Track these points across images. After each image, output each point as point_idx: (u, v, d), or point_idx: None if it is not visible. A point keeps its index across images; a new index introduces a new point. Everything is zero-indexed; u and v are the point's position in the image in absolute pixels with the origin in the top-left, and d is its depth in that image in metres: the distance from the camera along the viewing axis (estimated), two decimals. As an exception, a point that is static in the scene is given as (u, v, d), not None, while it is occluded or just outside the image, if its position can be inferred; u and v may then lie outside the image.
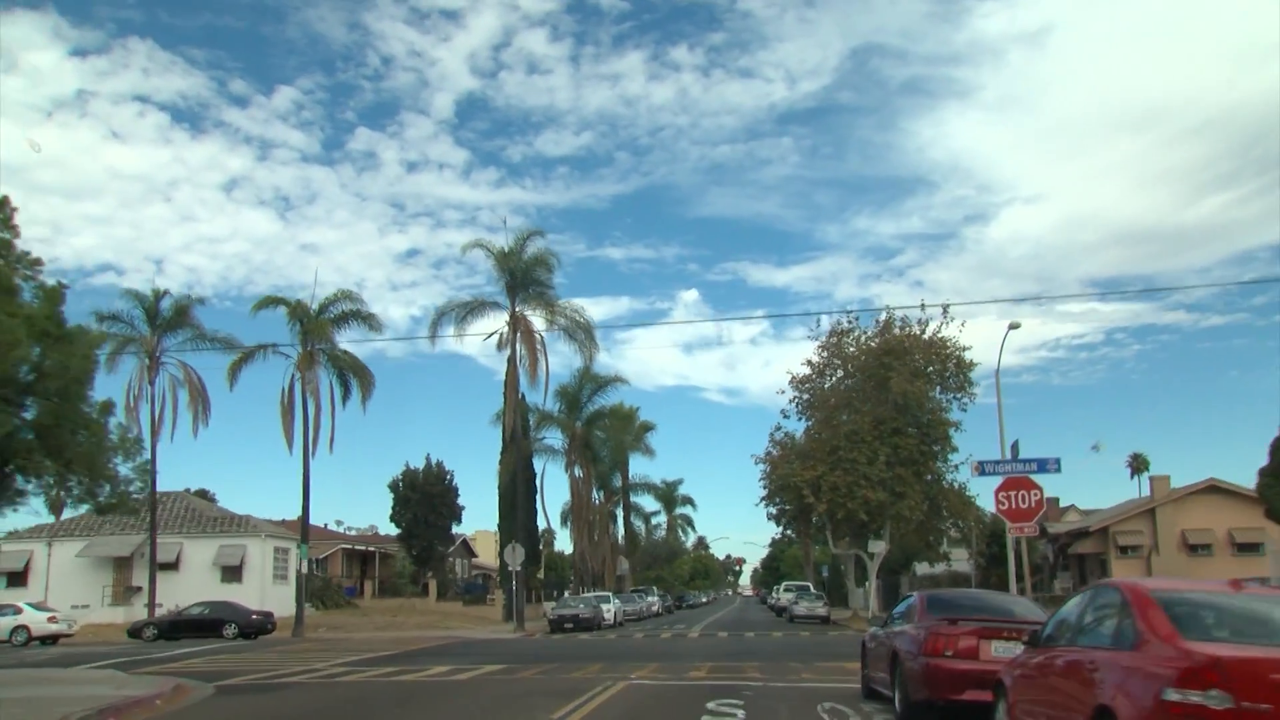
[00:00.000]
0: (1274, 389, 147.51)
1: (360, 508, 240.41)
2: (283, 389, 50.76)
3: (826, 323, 58.17)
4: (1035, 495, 23.66)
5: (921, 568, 75.69)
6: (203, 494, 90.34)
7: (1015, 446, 24.25)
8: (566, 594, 63.16)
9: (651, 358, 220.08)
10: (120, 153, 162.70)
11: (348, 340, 52.04)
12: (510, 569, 53.07)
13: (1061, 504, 75.64)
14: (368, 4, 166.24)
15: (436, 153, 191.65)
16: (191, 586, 53.44)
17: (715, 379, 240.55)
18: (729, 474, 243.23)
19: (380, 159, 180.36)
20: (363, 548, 76.02)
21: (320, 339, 50.69)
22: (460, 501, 77.31)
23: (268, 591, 55.92)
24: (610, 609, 56.84)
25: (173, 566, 55.88)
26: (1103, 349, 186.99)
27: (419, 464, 77.51)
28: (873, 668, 16.69)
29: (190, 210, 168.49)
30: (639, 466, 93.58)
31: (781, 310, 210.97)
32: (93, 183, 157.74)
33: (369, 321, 52.06)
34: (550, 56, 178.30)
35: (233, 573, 56.70)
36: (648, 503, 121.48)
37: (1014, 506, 23.77)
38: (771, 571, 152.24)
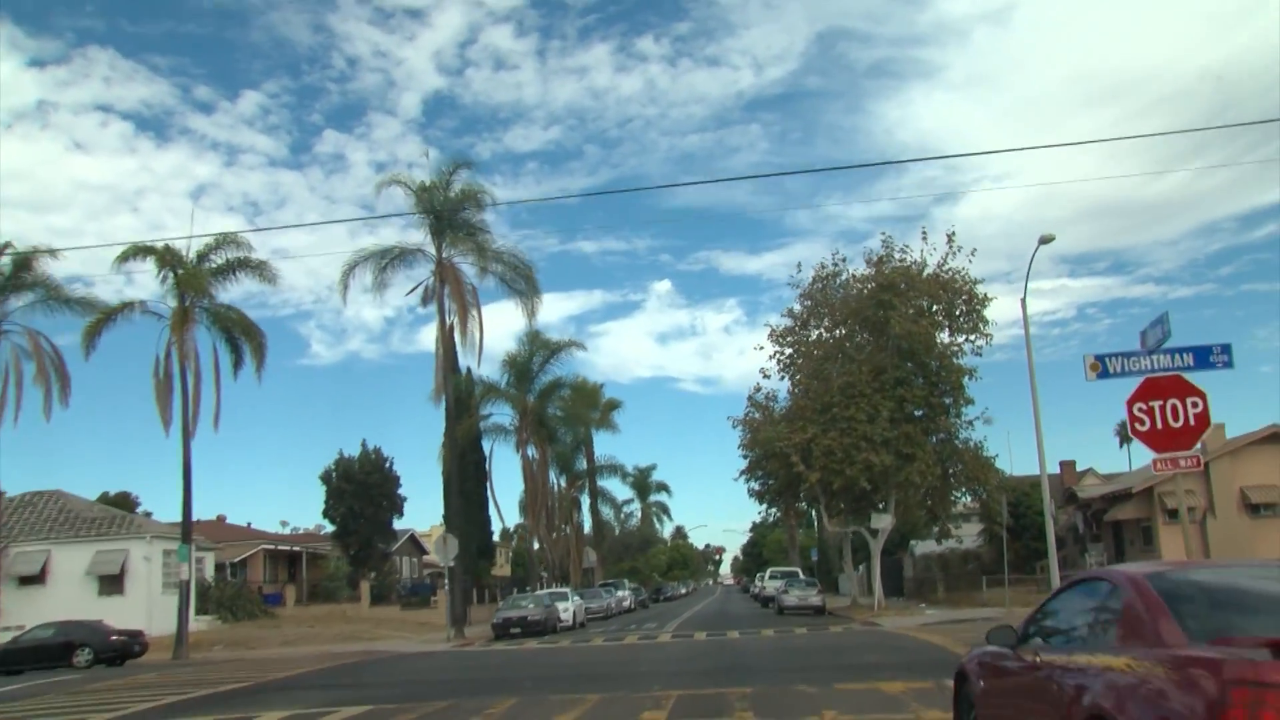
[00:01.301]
0: (1244, 355, 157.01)
1: (305, 508, 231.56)
2: (157, 356, 41.46)
3: (809, 270, 49.01)
4: (1196, 406, 14.51)
5: (921, 546, 66.99)
6: (123, 498, 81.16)
7: (1162, 324, 15.06)
8: (514, 593, 54.10)
9: (626, 349, 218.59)
10: (85, 163, 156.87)
11: (250, 300, 42.72)
12: (443, 565, 43.91)
13: (1078, 467, 66.97)
14: (331, 5, 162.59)
15: (405, 153, 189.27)
16: (61, 602, 44.00)
17: (691, 369, 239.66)
18: (706, 463, 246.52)
19: (349, 160, 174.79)
20: (288, 548, 66.61)
21: (198, 293, 41.41)
22: (402, 492, 67.95)
23: (156, 604, 46.59)
24: (568, 608, 47.96)
25: (37, 580, 46.48)
26: (1074, 324, 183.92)
27: (353, 451, 68.18)
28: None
29: (159, 219, 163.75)
30: (608, 449, 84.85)
31: (755, 296, 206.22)
32: (58, 195, 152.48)
33: (260, 271, 42.89)
34: (516, 52, 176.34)
35: (112, 583, 47.31)
36: (619, 490, 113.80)
37: (1158, 425, 14.52)
38: (753, 558, 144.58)
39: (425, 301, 46.50)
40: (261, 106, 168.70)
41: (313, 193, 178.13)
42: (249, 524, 73.53)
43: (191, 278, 41.25)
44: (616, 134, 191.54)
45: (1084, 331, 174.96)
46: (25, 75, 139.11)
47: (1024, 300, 38.66)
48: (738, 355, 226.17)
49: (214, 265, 42.44)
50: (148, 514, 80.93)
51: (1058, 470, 61.60)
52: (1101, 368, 15.05)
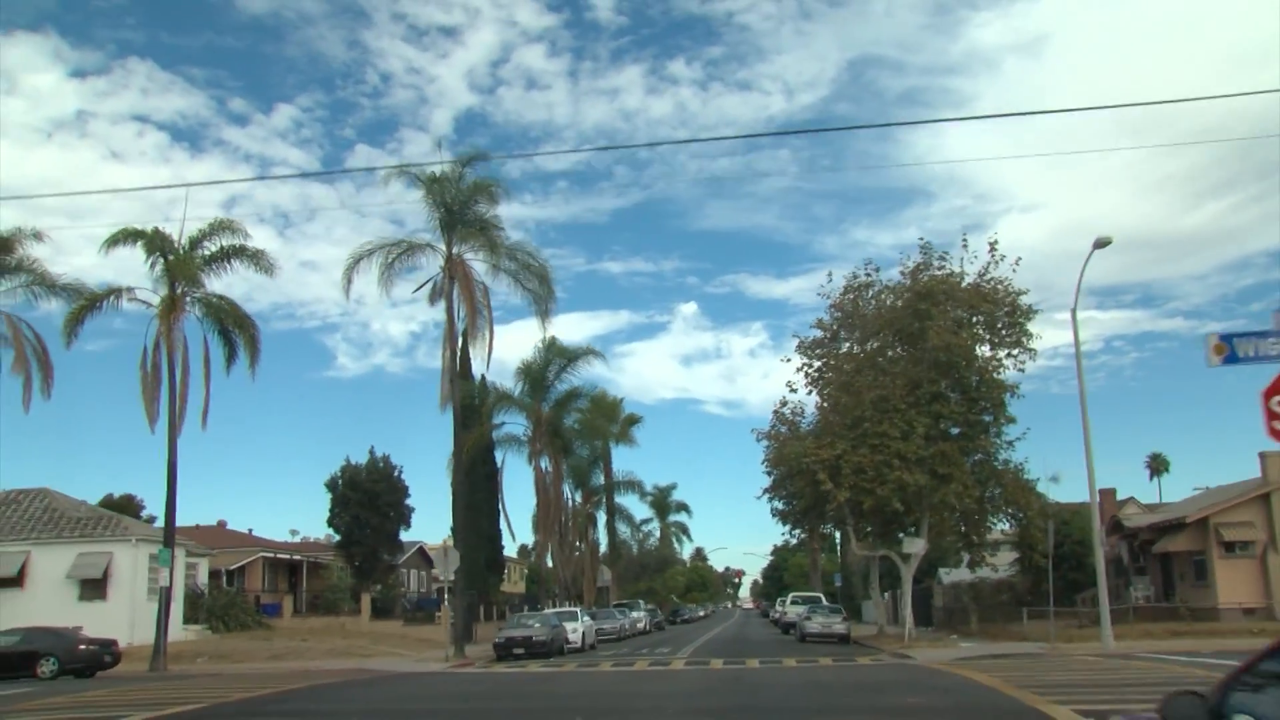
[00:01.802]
0: None
1: (318, 518, 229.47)
2: (145, 348, 38.67)
3: (840, 279, 45.93)
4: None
5: (948, 575, 63.46)
6: (127, 501, 78.44)
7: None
8: (523, 611, 50.97)
9: (650, 370, 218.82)
10: (120, 172, 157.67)
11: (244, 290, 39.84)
12: (444, 579, 40.83)
13: (1119, 496, 63.33)
14: (366, 22, 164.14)
15: (436, 169, 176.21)
16: (39, 607, 41.34)
17: (714, 391, 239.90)
18: (728, 486, 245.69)
19: (380, 175, 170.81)
20: (287, 556, 63.58)
21: (189, 281, 38.61)
22: (411, 503, 65.03)
23: (140, 611, 43.65)
24: (577, 628, 44.81)
25: (14, 582, 43.54)
26: (1101, 356, 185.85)
27: (362, 459, 65.24)
28: None
29: (191, 229, 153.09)
30: (627, 466, 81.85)
31: (780, 320, 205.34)
32: (93, 203, 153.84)
33: (256, 260, 40.04)
34: (549, 72, 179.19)
35: (94, 588, 44.35)
36: (638, 509, 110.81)
37: (1305, 421, 11.62)
38: (774, 582, 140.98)
39: (433, 299, 43.58)
40: (295, 120, 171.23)
41: (343, 206, 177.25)
42: (250, 530, 70.57)
43: (181, 264, 38.49)
44: (646, 155, 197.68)
45: (1110, 364, 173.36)
46: (67, 86, 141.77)
47: (1074, 310, 35.91)
48: (762, 379, 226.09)
49: (207, 253, 39.66)
50: (151, 518, 78.11)
51: (1097, 499, 57.86)
52: (1229, 351, 11.87)
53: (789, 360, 47.25)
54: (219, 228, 39.95)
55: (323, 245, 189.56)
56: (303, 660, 39.36)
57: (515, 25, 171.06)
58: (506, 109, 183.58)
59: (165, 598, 38.49)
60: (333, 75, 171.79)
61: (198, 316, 39.68)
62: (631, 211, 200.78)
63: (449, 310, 42.26)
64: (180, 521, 75.26)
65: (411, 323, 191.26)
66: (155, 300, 38.75)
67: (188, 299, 39.45)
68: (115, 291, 39.28)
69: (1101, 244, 34.14)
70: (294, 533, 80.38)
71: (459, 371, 59.89)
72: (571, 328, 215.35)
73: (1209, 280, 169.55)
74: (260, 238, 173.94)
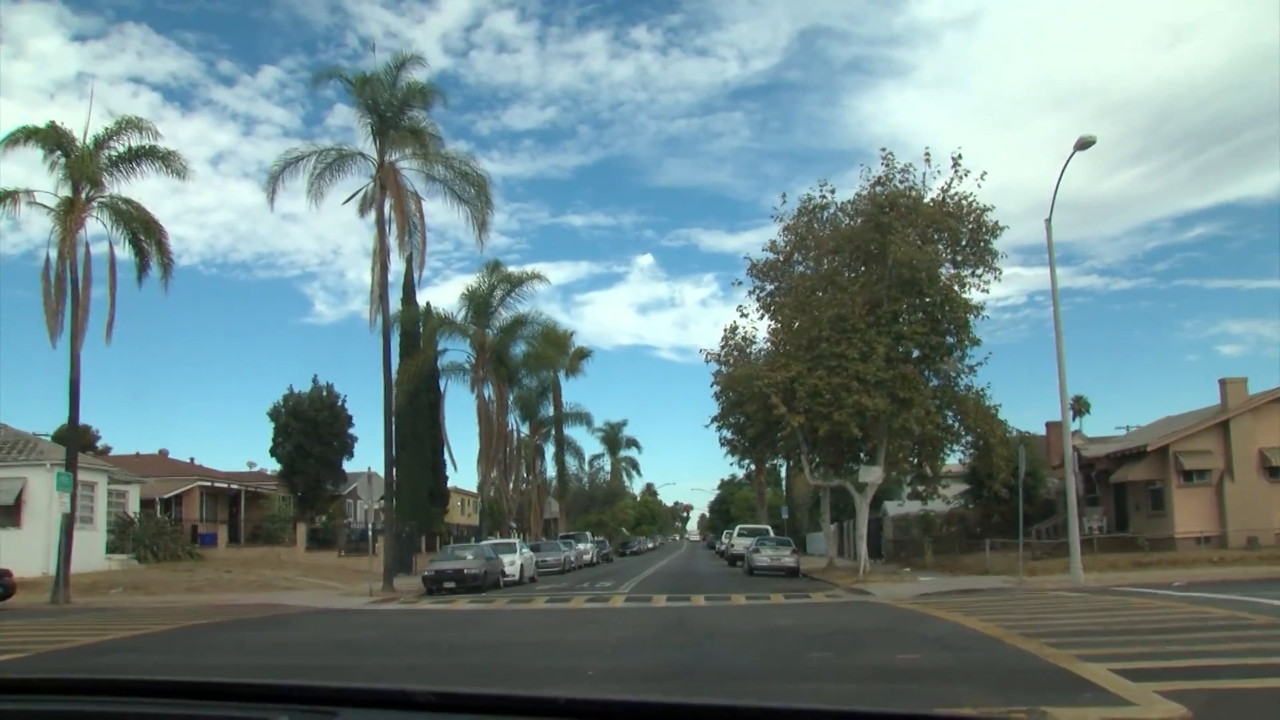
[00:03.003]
0: (1173, 345, 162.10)
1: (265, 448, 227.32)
2: (48, 257, 33.05)
3: (795, 200, 41.01)
4: None
5: (892, 507, 58.99)
6: (83, 432, 72.50)
7: None
8: (471, 542, 45.82)
9: (608, 318, 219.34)
10: None
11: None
12: (366, 506, 35.67)
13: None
14: None
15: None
16: (-55, 536, 35.70)
17: (668, 338, 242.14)
18: (679, 426, 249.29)
19: (356, 134, 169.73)
20: (225, 485, 58.05)
21: (90, 182, 32.91)
22: (355, 432, 59.58)
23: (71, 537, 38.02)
24: (515, 561, 39.85)
25: (-84, 511, 37.88)
26: (1025, 310, 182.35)
27: (305, 387, 59.72)
28: None
29: (179, 183, 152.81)
30: (580, 404, 76.65)
31: (731, 272, 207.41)
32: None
33: (168, 162, 34.35)
34: (518, 36, 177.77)
35: (6, 515, 38.91)
36: (590, 444, 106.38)
37: None
38: (721, 515, 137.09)
39: (364, 210, 38.08)
40: (279, 81, 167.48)
41: (322, 161, 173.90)
42: (192, 460, 64.96)
43: (81, 162, 32.74)
44: (608, 116, 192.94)
45: (1033, 317, 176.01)
46: (69, 49, 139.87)
47: (1048, 220, 30.99)
48: (713, 326, 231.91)
49: (114, 153, 33.97)
50: (107, 449, 72.67)
51: (1071, 424, 53.72)
52: None
53: (739, 283, 42.20)
54: (126, 125, 34.28)
55: (302, 200, 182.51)
56: (221, 593, 34.28)
57: None
58: (478, 71, 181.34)
59: (67, 525, 33.06)
60: (315, 39, 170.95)
61: (104, 223, 34.14)
62: (593, 168, 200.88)
63: (379, 222, 36.81)
64: (122, 450, 70.66)
65: (397, 281, 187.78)
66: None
67: (94, 203, 33.87)
68: (11, 194, 33.43)
69: (1084, 144, 29.31)
70: (251, 464, 74.72)
71: (403, 298, 54.67)
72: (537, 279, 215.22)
73: (1121, 242, 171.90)
74: (244, 191, 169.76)
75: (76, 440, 34.08)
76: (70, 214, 32.46)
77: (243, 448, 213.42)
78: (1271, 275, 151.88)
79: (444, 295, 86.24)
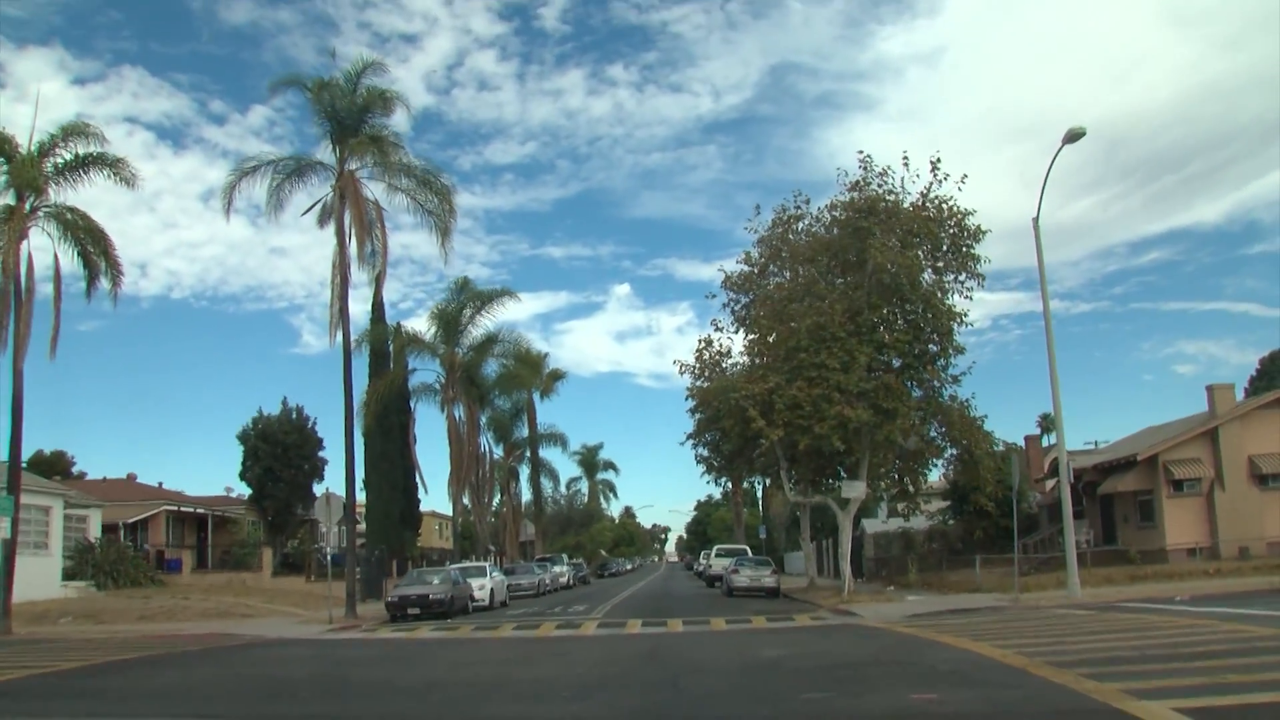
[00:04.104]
0: (1129, 365, 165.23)
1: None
2: (-7, 269, 30.23)
3: (768, 212, 38.61)
4: None
5: (873, 524, 56.36)
6: (58, 458, 69.22)
7: None
8: (443, 565, 42.90)
9: (587, 346, 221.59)
10: None
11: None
12: (326, 529, 32.80)
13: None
14: (334, 30, 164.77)
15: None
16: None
17: (645, 365, 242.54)
18: (656, 450, 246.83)
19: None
20: (192, 510, 54.89)
21: (32, 189, 30.20)
22: (325, 455, 56.62)
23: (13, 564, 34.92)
24: (485, 585, 37.06)
25: None
26: (989, 333, 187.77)
27: (275, 409, 56.70)
28: None
29: (172, 219, 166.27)
30: (557, 426, 73.83)
31: (706, 302, 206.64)
32: (88, 197, 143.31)
33: (117, 170, 31.58)
34: (499, 74, 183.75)
35: (-47, 541, 35.65)
36: (566, 466, 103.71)
37: None
38: (698, 536, 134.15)
39: (323, 222, 35.33)
40: (268, 119, 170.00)
41: (311, 197, 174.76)
42: (160, 484, 61.56)
43: (23, 168, 29.99)
44: (586, 150, 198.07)
45: (997, 340, 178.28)
46: (69, 92, 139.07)
47: (1036, 219, 28.59)
48: (688, 353, 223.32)
49: (60, 160, 31.24)
50: (81, 474, 69.29)
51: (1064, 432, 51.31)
52: None
53: (713, 296, 39.62)
54: (73, 132, 31.55)
55: (290, 233, 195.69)
56: (173, 622, 31.41)
57: (470, 33, 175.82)
58: (460, 108, 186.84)
59: (8, 551, 30.06)
60: (303, 79, 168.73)
61: (50, 234, 31.39)
62: (572, 201, 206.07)
63: (339, 232, 34.02)
64: (94, 475, 67.30)
65: (368, 304, 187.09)
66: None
67: (39, 213, 31.13)
68: (-55, 201, 30.64)
69: (1073, 136, 26.97)
70: (229, 490, 71.23)
71: (372, 316, 51.87)
72: (516, 308, 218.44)
73: (1080, 266, 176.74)
74: (235, 226, 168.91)
75: (19, 461, 31.02)
76: (13, 222, 29.69)
77: (222, 474, 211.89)
78: (1222, 297, 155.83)
79: (425, 325, 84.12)
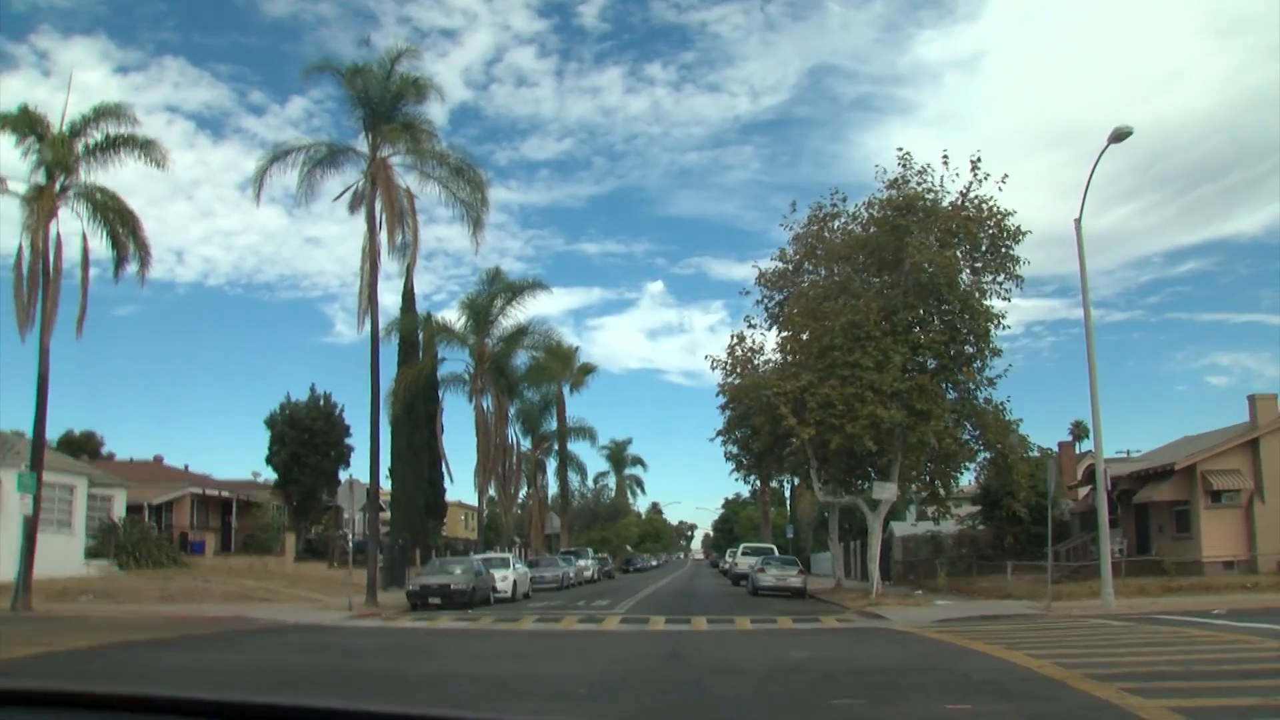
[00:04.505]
0: (1163, 375, 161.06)
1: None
2: (20, 245, 30.10)
3: (805, 208, 38.04)
4: None
5: (901, 527, 55.59)
6: (88, 438, 69.56)
7: None
8: (468, 556, 42.49)
9: (618, 343, 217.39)
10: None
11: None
12: (348, 515, 32.57)
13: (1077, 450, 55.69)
14: (374, 23, 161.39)
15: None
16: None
17: (676, 363, 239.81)
18: (686, 448, 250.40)
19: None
20: (217, 493, 54.87)
21: (64, 169, 30.02)
22: (351, 442, 56.50)
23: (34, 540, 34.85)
24: (507, 576, 36.58)
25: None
26: (1022, 340, 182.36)
27: (303, 395, 56.68)
28: None
29: (209, 207, 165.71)
30: (585, 423, 73.21)
31: (739, 301, 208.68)
32: (126, 183, 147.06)
33: (148, 152, 31.38)
34: (537, 71, 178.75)
35: (-21, 516, 35.61)
36: (594, 461, 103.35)
37: None
38: (724, 534, 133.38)
39: (354, 207, 35.01)
40: (306, 110, 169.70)
41: (343, 183, 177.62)
42: (186, 466, 61.70)
43: (55, 148, 29.84)
44: (622, 148, 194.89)
45: (1030, 347, 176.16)
46: (111, 81, 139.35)
47: (1078, 220, 27.86)
48: (720, 351, 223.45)
49: (91, 141, 31.08)
50: (110, 455, 69.51)
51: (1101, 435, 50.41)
52: None
53: (747, 293, 39.06)
54: (104, 113, 31.32)
55: (326, 223, 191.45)
56: (192, 603, 31.27)
57: (509, 29, 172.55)
58: (498, 104, 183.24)
59: (29, 528, 29.95)
60: (337, 63, 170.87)
61: (80, 214, 31.26)
62: (607, 198, 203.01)
63: (369, 218, 33.71)
64: (123, 456, 67.55)
65: (399, 294, 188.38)
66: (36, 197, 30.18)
67: (69, 192, 31.00)
68: (-20, 180, 30.51)
69: (1120, 136, 26.18)
70: (255, 475, 71.29)
71: (402, 305, 51.67)
72: (549, 302, 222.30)
73: (1115, 275, 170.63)
74: (271, 215, 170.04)
75: (43, 439, 30.96)
76: (42, 201, 29.54)
77: (250, 459, 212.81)
78: (1258, 309, 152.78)
79: (455, 315, 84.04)
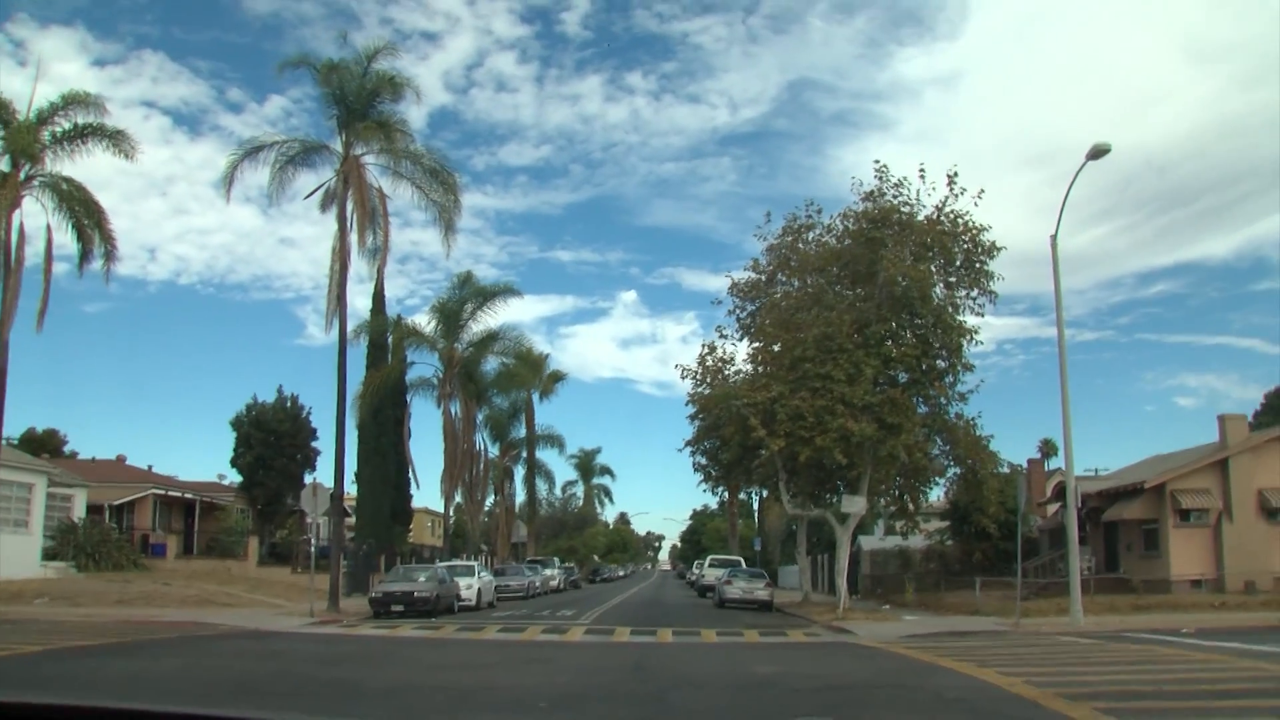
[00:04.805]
0: (1133, 395, 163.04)
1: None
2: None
3: (779, 219, 37.92)
4: None
5: (869, 541, 55.40)
6: (50, 436, 68.42)
7: None
8: (434, 563, 41.99)
9: (591, 351, 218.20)
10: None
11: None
12: (310, 520, 32.03)
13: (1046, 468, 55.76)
14: (356, 24, 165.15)
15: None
16: None
17: (648, 373, 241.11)
18: (656, 458, 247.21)
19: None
20: (179, 494, 54.00)
21: (29, 157, 29.48)
22: (318, 445, 55.72)
23: (-13, 543, 34.32)
24: (472, 584, 36.15)
25: None
26: (993, 357, 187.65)
27: (270, 397, 55.88)
28: None
29: (183, 205, 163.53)
30: (554, 427, 72.69)
31: (711, 312, 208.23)
32: (99, 178, 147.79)
33: (117, 143, 30.93)
34: (518, 77, 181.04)
35: (-71, 517, 34.98)
36: (563, 470, 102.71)
37: None
38: (692, 545, 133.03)
39: (325, 207, 34.56)
40: (285, 110, 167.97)
41: (317, 182, 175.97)
42: (149, 467, 60.72)
43: (18, 134, 29.29)
44: (600, 156, 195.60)
45: (1001, 364, 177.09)
46: (88, 74, 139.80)
47: (1054, 237, 27.82)
48: (691, 361, 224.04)
49: (58, 130, 30.56)
50: (73, 454, 68.39)
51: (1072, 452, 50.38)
52: None
53: (719, 302, 38.88)
54: (73, 101, 30.86)
55: (300, 224, 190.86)
56: (152, 607, 30.67)
57: (491, 34, 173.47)
58: (477, 109, 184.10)
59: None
60: (313, 59, 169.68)
61: (45, 205, 30.71)
62: (583, 206, 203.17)
63: (340, 217, 33.26)
64: (86, 455, 66.46)
65: (370, 297, 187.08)
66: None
67: (34, 181, 30.45)
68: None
69: (1098, 153, 26.13)
70: (221, 477, 70.25)
71: (372, 308, 51.07)
72: (520, 309, 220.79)
73: (1087, 295, 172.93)
74: (246, 214, 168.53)
75: (-1, 435, 30.31)
76: (4, 190, 28.99)
77: (217, 461, 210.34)
78: (1226, 332, 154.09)
79: (426, 319, 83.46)
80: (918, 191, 33.44)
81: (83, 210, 30.62)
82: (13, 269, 29.16)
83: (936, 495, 41.25)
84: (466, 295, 49.27)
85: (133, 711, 2.47)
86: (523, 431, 67.99)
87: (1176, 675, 14.16)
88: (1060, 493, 42.13)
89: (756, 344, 36.35)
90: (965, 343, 32.74)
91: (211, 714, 2.48)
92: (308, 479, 55.37)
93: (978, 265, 32.94)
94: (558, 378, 70.47)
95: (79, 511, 43.71)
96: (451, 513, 53.16)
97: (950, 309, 33.08)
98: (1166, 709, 10.79)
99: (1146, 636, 22.26)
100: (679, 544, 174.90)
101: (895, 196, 33.38)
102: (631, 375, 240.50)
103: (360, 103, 34.25)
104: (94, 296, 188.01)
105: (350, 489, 48.10)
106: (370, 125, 33.18)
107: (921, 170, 34.21)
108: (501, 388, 56.86)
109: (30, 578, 36.12)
